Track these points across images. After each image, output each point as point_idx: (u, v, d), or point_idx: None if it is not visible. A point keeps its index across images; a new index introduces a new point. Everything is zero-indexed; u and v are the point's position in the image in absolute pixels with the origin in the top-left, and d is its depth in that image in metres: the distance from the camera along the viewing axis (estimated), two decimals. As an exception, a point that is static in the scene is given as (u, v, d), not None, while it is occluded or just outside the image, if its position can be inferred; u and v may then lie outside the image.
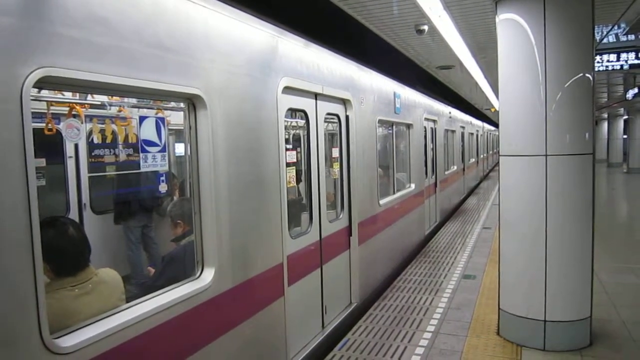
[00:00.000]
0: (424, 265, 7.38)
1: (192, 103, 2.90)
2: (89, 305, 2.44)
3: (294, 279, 4.09)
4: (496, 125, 26.28)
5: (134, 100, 4.90)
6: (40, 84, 2.00)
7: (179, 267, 3.26)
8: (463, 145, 15.40)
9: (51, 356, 1.93)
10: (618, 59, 9.33)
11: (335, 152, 5.34)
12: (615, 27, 7.38)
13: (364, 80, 5.86)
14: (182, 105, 2.99)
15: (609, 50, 9.26)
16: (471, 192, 17.54)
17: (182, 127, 3.17)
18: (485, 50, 7.96)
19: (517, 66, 4.41)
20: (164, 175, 5.46)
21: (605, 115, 31.68)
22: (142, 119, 2.98)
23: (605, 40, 8.62)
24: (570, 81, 4.21)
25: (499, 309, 4.72)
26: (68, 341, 2.03)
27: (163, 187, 5.37)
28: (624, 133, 31.00)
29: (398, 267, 7.30)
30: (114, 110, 5.13)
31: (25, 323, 1.85)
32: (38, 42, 1.92)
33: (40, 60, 1.90)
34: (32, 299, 1.87)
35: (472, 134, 18.05)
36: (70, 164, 5.93)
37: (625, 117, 29.88)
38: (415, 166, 8.51)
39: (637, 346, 4.42)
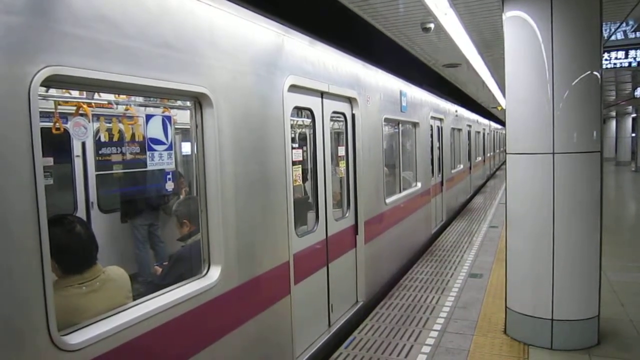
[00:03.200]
0: (430, 264, 7.37)
1: (199, 101, 2.91)
2: (97, 303, 2.45)
3: (300, 277, 4.10)
4: (503, 123, 26.14)
5: (140, 99, 4.92)
6: (48, 83, 2.01)
7: (186, 267, 3.27)
8: (470, 144, 15.34)
9: (59, 353, 1.94)
10: (626, 57, 9.24)
11: (342, 151, 5.34)
12: (624, 24, 7.33)
13: (370, 79, 5.85)
14: (188, 103, 3.00)
15: (617, 47, 9.17)
16: (478, 190, 17.48)
17: (189, 126, 3.18)
18: (492, 48, 7.93)
19: (524, 64, 4.38)
20: (171, 173, 5.48)
21: (614, 114, 31.44)
22: (148, 117, 2.99)
23: (613, 38, 8.55)
24: (578, 79, 4.18)
25: (505, 307, 4.70)
26: (76, 338, 2.04)
27: (170, 186, 5.39)
28: (633, 131, 30.78)
29: (404, 266, 7.29)
30: (121, 109, 5.15)
31: (34, 320, 1.86)
32: (45, 40, 1.93)
33: (47, 59, 1.91)
34: (40, 296, 1.88)
35: (478, 132, 17.99)
36: (78, 162, 5.97)
37: (634, 115, 29.66)
38: (421, 165, 8.49)
39: (646, 345, 4.40)
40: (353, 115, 5.34)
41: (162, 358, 2.57)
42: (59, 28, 1.98)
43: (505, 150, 4.66)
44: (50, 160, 5.31)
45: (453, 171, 12.05)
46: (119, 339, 2.23)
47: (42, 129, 1.94)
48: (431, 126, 9.44)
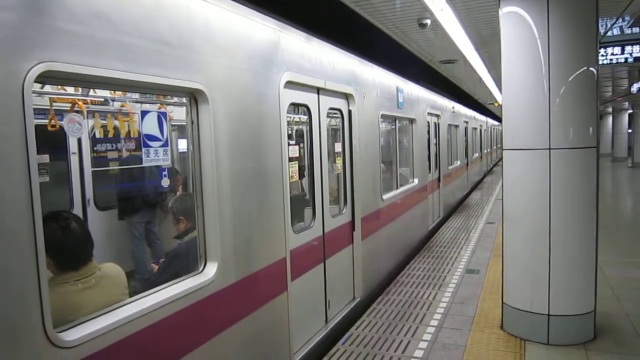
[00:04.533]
0: (427, 260, 7.38)
1: (194, 98, 2.90)
2: (93, 300, 2.44)
3: (297, 273, 4.10)
4: (500, 119, 26.16)
5: (136, 95, 4.90)
6: (42, 79, 2.00)
7: (183, 264, 3.27)
8: (466, 140, 15.35)
9: (55, 350, 1.93)
10: (622, 52, 9.27)
11: (338, 147, 5.33)
12: (620, 20, 7.33)
13: (366, 75, 5.84)
14: (184, 100, 3.00)
15: (613, 43, 9.20)
16: (475, 187, 17.51)
17: (185, 123, 3.17)
18: (489, 43, 7.93)
19: (521, 60, 4.38)
20: (167, 170, 5.47)
21: (610, 110, 31.50)
22: (143, 113, 2.98)
23: (609, 33, 8.57)
24: (574, 75, 4.18)
25: (502, 303, 4.71)
26: (72, 335, 2.03)
27: (166, 182, 5.38)
28: (629, 127, 30.85)
29: (401, 262, 7.30)
30: (116, 106, 5.14)
31: (29, 317, 1.86)
32: (39, 36, 1.91)
33: (41, 55, 1.90)
34: (36, 293, 1.87)
35: (475, 128, 18.00)
36: (74, 159, 5.94)
37: (630, 111, 29.71)
38: (418, 161, 8.50)
39: (642, 340, 4.42)
40: (350, 112, 5.33)
41: (158, 355, 2.57)
42: (53, 24, 1.97)
43: (502, 147, 4.67)
44: (46, 158, 5.29)
45: (450, 167, 12.06)
46: (115, 335, 2.22)
47: (37, 125, 1.93)
48: (428, 122, 9.44)
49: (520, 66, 4.39)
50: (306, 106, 4.52)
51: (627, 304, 5.24)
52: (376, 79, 6.22)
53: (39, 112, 4.38)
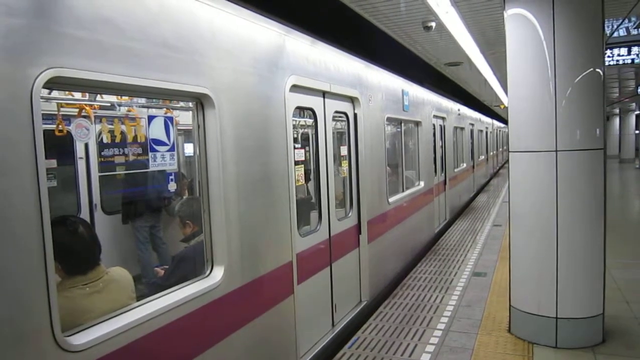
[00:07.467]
0: (434, 263, 7.36)
1: (201, 102, 2.92)
2: (100, 304, 2.45)
3: (303, 277, 4.10)
4: (506, 122, 26.07)
5: (142, 100, 4.93)
6: (50, 85, 2.02)
7: (189, 268, 3.27)
8: (472, 143, 15.31)
9: (63, 354, 1.94)
10: (629, 53, 9.22)
11: (344, 151, 5.34)
12: (626, 21, 7.30)
13: (371, 78, 5.85)
14: (190, 104, 3.01)
15: (619, 44, 9.15)
16: (481, 189, 17.45)
17: (191, 127, 3.18)
18: (494, 46, 7.92)
19: (526, 62, 4.37)
20: (173, 174, 5.49)
21: (617, 111, 31.33)
22: (150, 118, 3.00)
23: (615, 34, 8.53)
24: (580, 76, 4.16)
25: (509, 306, 4.69)
26: (80, 339, 2.04)
27: (172, 187, 5.40)
28: (636, 128, 30.66)
29: (408, 265, 7.28)
30: (123, 111, 5.17)
31: (38, 321, 1.87)
32: (47, 42, 1.93)
33: (49, 60, 1.92)
34: (44, 297, 1.88)
35: (481, 131, 17.95)
36: (81, 164, 5.98)
37: (637, 112, 29.56)
38: (424, 164, 8.48)
39: (651, 343, 4.38)
40: (355, 115, 5.34)
41: (165, 359, 2.57)
42: (60, 30, 1.99)
43: (508, 149, 4.66)
44: (53, 163, 5.33)
45: (456, 170, 12.03)
46: (123, 339, 2.23)
47: (45, 131, 1.95)
48: (434, 125, 9.43)
49: (526, 68, 4.38)
50: (312, 110, 4.53)
51: (636, 306, 5.19)
52: (381, 82, 6.22)
53: (47, 117, 4.42)
